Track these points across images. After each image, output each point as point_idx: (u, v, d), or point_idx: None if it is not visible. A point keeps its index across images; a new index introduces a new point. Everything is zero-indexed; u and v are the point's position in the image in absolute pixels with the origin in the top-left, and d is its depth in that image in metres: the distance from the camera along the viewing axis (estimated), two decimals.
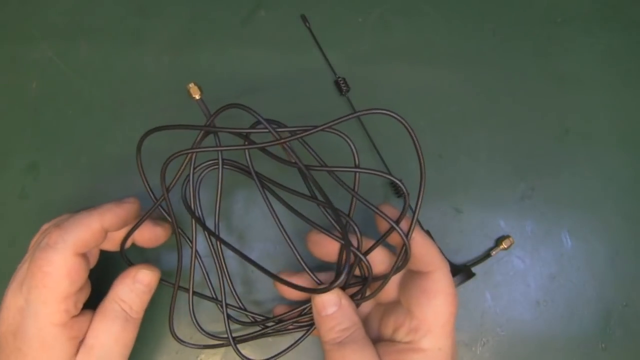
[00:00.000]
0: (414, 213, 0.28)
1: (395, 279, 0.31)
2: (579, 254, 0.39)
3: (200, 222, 0.31)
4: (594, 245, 0.39)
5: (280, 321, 0.33)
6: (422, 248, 0.29)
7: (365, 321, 0.33)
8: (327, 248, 0.31)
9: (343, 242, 0.28)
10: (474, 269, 0.37)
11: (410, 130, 0.26)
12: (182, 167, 0.29)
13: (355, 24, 0.42)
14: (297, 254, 0.31)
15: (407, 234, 0.28)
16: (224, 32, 0.42)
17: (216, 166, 0.30)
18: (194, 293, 0.33)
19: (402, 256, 0.28)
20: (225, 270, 0.33)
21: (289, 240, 0.31)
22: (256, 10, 0.42)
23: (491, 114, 0.41)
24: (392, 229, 0.28)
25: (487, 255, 0.38)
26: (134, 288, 0.30)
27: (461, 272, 0.36)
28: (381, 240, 0.29)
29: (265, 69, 0.41)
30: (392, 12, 0.43)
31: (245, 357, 0.32)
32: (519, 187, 0.40)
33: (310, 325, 0.32)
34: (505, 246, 0.38)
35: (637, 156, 0.41)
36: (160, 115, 0.40)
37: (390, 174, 0.26)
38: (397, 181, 0.27)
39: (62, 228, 0.28)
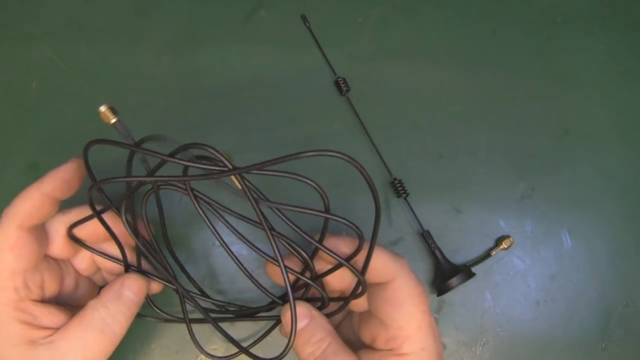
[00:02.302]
0: (370, 246, 0.27)
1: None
2: (579, 254, 0.39)
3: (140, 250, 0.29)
4: (594, 244, 0.39)
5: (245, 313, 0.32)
6: (375, 262, 0.28)
7: (341, 327, 0.32)
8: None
9: (288, 270, 0.27)
10: (474, 269, 0.37)
11: (361, 169, 0.23)
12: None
13: (355, 24, 0.42)
14: (251, 278, 0.30)
15: (362, 271, 0.27)
16: (224, 32, 0.42)
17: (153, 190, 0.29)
18: (147, 274, 0.31)
19: (357, 289, 0.28)
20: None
21: (241, 267, 0.30)
22: (256, 9, 0.42)
23: (491, 114, 0.41)
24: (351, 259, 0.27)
25: (487, 255, 0.38)
26: (121, 295, 0.29)
27: (461, 272, 0.36)
28: (332, 271, 0.29)
29: (265, 69, 0.41)
30: (392, 12, 0.43)
31: (201, 346, 0.31)
32: (519, 186, 0.40)
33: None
34: (505, 246, 0.38)
35: (637, 156, 0.41)
36: (160, 115, 0.40)
37: (345, 219, 0.25)
38: (350, 225, 0.25)
39: (8, 205, 0.27)
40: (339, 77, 0.40)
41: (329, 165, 0.37)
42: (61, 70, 0.41)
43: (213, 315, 0.32)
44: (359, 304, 0.31)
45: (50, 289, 0.29)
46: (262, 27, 0.42)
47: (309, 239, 0.27)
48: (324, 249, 0.27)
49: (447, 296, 0.38)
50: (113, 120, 0.26)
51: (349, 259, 0.27)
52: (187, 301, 0.31)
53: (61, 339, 0.27)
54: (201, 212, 0.26)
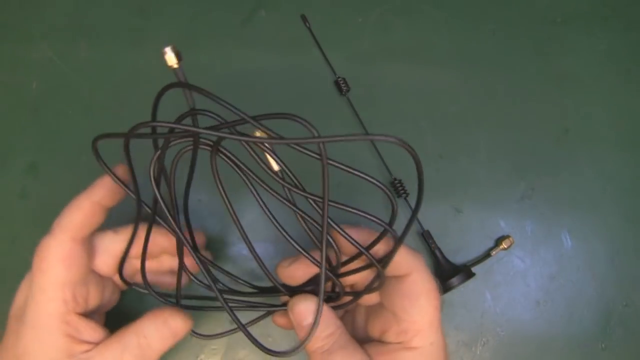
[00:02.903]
0: (395, 243, 0.27)
1: None
2: (579, 254, 0.39)
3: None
4: (594, 245, 0.39)
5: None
6: (396, 255, 0.28)
7: (348, 317, 0.32)
8: (298, 275, 0.31)
9: (319, 265, 0.27)
10: (474, 269, 0.37)
11: (416, 157, 0.25)
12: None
13: (355, 24, 0.42)
14: (296, 245, 0.29)
15: (384, 265, 0.27)
16: (224, 32, 0.42)
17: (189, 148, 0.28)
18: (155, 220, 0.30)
19: (373, 283, 0.28)
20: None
21: (257, 258, 0.29)
22: (256, 10, 0.42)
23: (491, 114, 0.41)
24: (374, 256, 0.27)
25: (487, 255, 0.38)
26: (161, 329, 0.29)
27: (461, 272, 0.36)
28: (358, 271, 0.29)
29: (265, 69, 0.41)
30: (392, 12, 0.43)
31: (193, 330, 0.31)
32: (519, 187, 0.40)
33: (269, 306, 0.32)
34: (505, 246, 0.38)
35: (637, 156, 0.41)
36: (160, 115, 0.40)
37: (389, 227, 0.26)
38: (392, 232, 0.26)
39: (59, 215, 0.28)
40: (339, 77, 0.40)
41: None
42: (61, 70, 0.41)
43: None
44: (369, 298, 0.31)
45: (94, 301, 0.30)
46: (262, 27, 0.42)
47: (358, 246, 0.27)
48: (368, 255, 0.27)
49: (447, 296, 0.38)
50: (176, 65, 0.25)
51: (369, 247, 0.27)
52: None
53: (99, 357, 0.27)
54: (243, 178, 0.26)
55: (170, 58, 0.24)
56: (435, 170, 0.40)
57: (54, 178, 0.39)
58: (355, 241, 0.27)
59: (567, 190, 0.40)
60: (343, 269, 0.29)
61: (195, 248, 0.33)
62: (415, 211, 0.26)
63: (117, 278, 0.32)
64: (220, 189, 0.27)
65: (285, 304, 0.31)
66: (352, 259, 0.29)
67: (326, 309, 0.29)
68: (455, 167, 0.40)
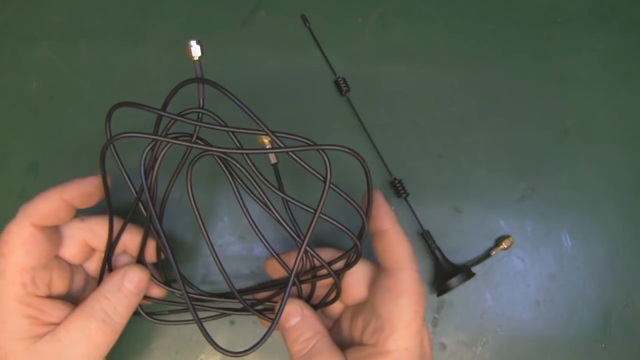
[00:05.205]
0: (350, 255, 0.29)
1: (365, 278, 0.31)
2: (579, 254, 0.39)
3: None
4: (593, 245, 0.39)
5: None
6: (393, 243, 0.29)
7: (336, 325, 0.33)
8: (278, 270, 0.32)
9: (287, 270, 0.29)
10: (474, 269, 0.37)
11: (365, 166, 0.27)
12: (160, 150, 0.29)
13: (355, 24, 0.42)
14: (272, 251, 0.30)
15: (340, 272, 0.30)
16: (224, 32, 0.42)
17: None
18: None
19: (332, 292, 0.30)
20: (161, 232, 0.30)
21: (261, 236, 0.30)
22: (256, 10, 0.42)
23: (491, 114, 0.41)
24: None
25: (487, 255, 0.38)
26: (122, 287, 0.29)
27: (461, 272, 0.36)
28: (318, 279, 0.31)
29: (265, 69, 0.41)
30: (392, 12, 0.43)
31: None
32: (518, 187, 0.40)
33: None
34: (505, 246, 0.38)
35: (637, 156, 0.41)
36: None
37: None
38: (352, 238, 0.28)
39: (27, 202, 0.28)
40: (339, 77, 0.40)
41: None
42: (61, 70, 0.41)
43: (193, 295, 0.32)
44: (358, 293, 0.31)
45: (59, 288, 0.30)
46: (262, 27, 0.42)
47: (320, 259, 0.29)
48: (327, 266, 0.29)
49: (447, 296, 0.38)
50: (196, 58, 0.27)
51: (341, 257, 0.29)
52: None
53: (63, 331, 0.27)
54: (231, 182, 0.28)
55: (196, 51, 0.26)
56: (435, 170, 0.40)
57: (54, 178, 0.39)
58: (317, 254, 0.29)
59: (567, 190, 0.40)
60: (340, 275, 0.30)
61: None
62: (367, 215, 0.28)
63: (88, 267, 0.32)
64: (192, 199, 0.29)
65: (240, 309, 0.32)
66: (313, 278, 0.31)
67: (309, 314, 0.30)
68: (455, 167, 0.40)
